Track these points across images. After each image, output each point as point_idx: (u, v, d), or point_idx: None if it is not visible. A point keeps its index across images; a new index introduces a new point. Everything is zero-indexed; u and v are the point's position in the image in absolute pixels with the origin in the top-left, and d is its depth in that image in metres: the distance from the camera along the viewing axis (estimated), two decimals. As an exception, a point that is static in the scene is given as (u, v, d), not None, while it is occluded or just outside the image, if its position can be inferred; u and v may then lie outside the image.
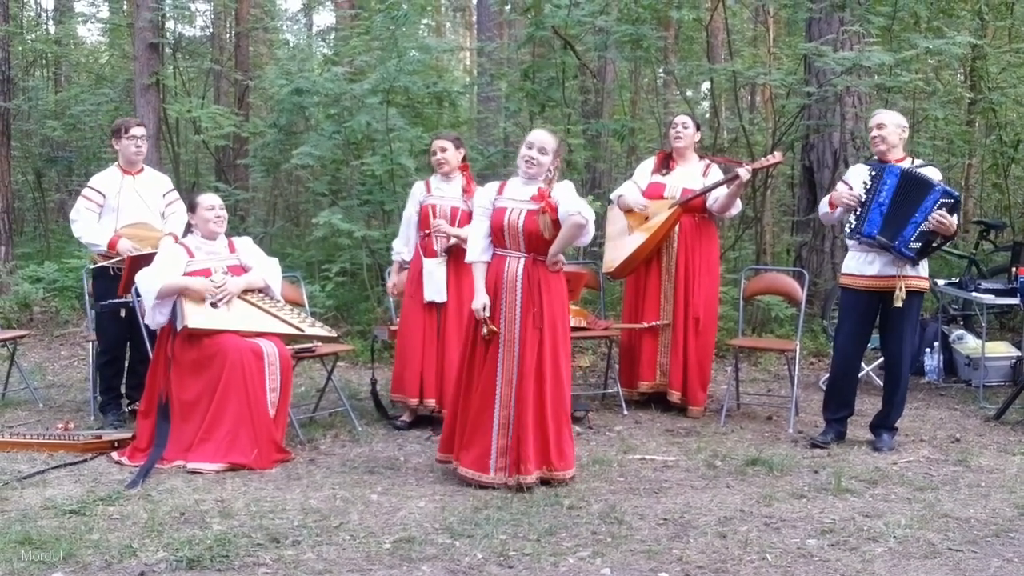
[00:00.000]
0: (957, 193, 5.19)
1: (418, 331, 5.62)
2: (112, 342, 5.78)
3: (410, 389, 5.65)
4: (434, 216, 5.64)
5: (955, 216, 5.17)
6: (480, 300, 4.54)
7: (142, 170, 5.90)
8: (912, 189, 5.08)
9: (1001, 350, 7.06)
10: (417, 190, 5.79)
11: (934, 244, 5.22)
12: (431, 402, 5.66)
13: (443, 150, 5.71)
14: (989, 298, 6.67)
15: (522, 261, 4.55)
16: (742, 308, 6.58)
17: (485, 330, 4.52)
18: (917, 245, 5.11)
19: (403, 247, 5.84)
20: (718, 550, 3.78)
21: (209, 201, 5.22)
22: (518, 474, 4.51)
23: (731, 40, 9.62)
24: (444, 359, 5.61)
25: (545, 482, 4.57)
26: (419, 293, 5.63)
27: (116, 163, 5.88)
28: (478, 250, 4.63)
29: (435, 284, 5.61)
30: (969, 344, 7.20)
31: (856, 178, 5.34)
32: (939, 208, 5.02)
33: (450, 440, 4.73)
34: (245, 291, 5.16)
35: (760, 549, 3.79)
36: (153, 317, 5.00)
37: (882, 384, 5.71)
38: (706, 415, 6.12)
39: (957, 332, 7.40)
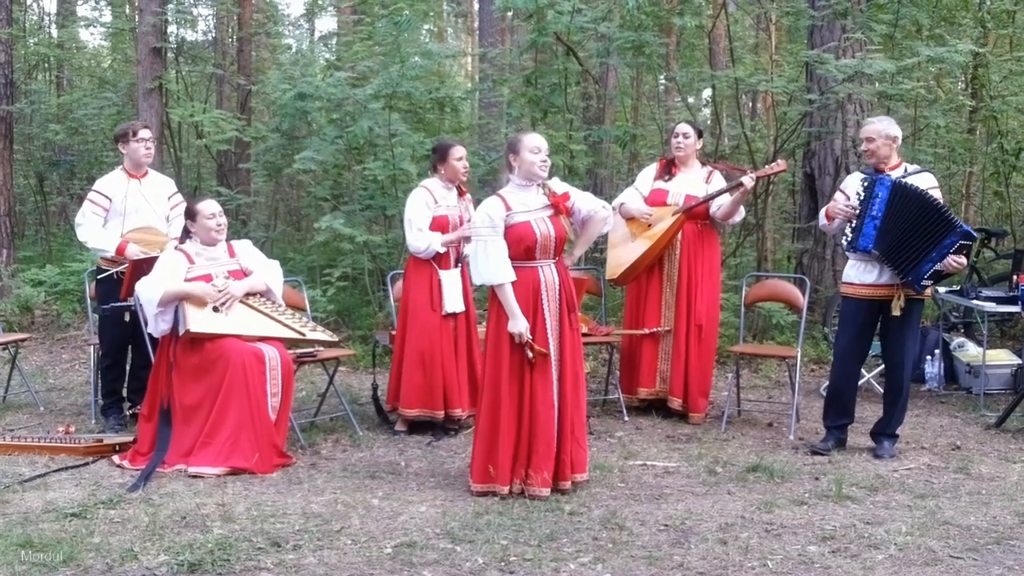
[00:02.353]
0: (976, 235, 5.17)
1: (438, 343, 5.59)
2: (114, 345, 5.78)
3: (436, 402, 5.60)
4: (449, 228, 5.63)
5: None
6: (522, 323, 4.38)
7: (147, 173, 5.87)
8: (914, 207, 5.05)
9: (1002, 358, 7.05)
10: (426, 197, 5.66)
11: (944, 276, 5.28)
12: (457, 411, 5.65)
13: (465, 157, 5.74)
14: (990, 306, 6.66)
15: (554, 267, 4.55)
16: (743, 315, 6.58)
17: (531, 354, 4.40)
18: (930, 282, 5.16)
19: (434, 239, 5.61)
20: (719, 556, 3.78)
21: (210, 209, 5.15)
22: (568, 477, 4.55)
23: (733, 47, 9.65)
24: (474, 367, 5.62)
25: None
26: (438, 304, 5.60)
27: (121, 167, 5.86)
28: (504, 269, 4.38)
29: (454, 295, 5.61)
30: (970, 352, 7.19)
31: (852, 188, 5.34)
32: (957, 251, 5.02)
33: (504, 468, 4.49)
34: (246, 295, 5.15)
35: (761, 556, 3.79)
36: (156, 325, 4.99)
37: (883, 391, 5.71)
38: (707, 421, 6.11)
39: (958, 340, 7.39)
